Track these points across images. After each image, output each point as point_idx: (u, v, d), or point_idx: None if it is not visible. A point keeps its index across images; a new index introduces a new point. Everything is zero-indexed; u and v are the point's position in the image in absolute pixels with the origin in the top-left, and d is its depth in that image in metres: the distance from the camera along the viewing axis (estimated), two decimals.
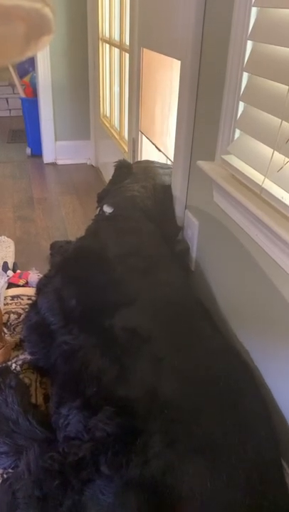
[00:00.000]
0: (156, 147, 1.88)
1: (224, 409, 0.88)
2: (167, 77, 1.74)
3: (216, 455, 0.79)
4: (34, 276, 1.76)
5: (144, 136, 1.94)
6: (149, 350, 0.99)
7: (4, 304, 1.62)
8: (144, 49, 1.78)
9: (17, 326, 1.51)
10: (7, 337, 1.43)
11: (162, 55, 1.58)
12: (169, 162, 1.80)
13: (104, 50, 2.72)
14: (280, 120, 0.85)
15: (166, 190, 1.57)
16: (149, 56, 1.76)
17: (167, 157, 1.82)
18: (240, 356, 1.06)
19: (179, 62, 1.35)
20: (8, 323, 1.52)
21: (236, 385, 0.94)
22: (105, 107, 2.89)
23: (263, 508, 0.75)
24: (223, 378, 0.94)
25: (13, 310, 1.59)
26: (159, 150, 1.86)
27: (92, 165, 3.29)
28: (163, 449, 0.78)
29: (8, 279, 1.76)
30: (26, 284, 1.75)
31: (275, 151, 0.87)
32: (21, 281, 1.75)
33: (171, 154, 1.50)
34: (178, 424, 0.83)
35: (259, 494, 0.76)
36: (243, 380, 0.97)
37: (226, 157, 1.07)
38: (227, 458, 0.78)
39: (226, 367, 0.99)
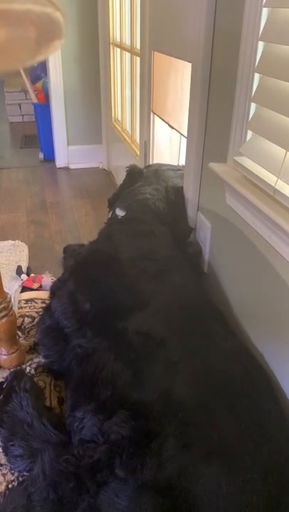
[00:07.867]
0: (168, 125, 1.82)
1: (239, 412, 0.87)
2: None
3: (231, 458, 0.78)
4: (48, 279, 1.77)
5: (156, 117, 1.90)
6: (163, 354, 0.99)
7: (18, 308, 1.63)
8: (154, 52, 1.78)
9: (31, 329, 1.52)
10: (21, 340, 1.44)
11: (173, 58, 1.59)
12: (183, 137, 1.67)
13: (116, 54, 2.73)
14: None
15: (178, 193, 1.56)
16: (160, 59, 1.77)
17: (181, 133, 1.71)
18: (254, 359, 1.05)
19: (190, 64, 1.35)
20: (23, 327, 1.53)
21: (251, 388, 0.93)
22: (117, 111, 2.90)
23: None
24: (237, 381, 0.93)
25: (27, 313, 1.60)
26: (172, 127, 1.78)
27: (104, 169, 3.30)
28: (178, 452, 0.78)
29: (22, 283, 1.77)
30: (40, 288, 1.76)
31: (288, 152, 0.87)
32: (35, 285, 1.76)
33: (184, 130, 1.43)
34: (192, 427, 0.83)
35: (275, 498, 0.75)
36: (258, 383, 0.96)
37: (238, 159, 1.06)
38: (242, 461, 0.78)
39: (240, 369, 0.98)
